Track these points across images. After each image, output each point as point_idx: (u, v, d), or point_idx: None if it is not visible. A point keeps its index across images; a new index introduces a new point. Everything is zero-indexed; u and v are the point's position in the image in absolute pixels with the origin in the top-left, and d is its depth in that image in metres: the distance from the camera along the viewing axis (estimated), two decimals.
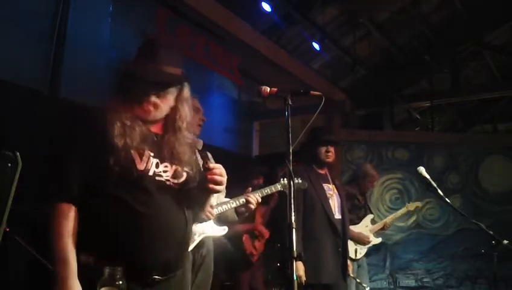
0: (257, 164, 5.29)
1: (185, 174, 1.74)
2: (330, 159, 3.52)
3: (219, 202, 2.78)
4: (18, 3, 3.60)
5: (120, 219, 1.58)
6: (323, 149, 3.48)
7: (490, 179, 6.89)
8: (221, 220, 2.82)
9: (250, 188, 2.93)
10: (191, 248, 2.62)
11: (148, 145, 1.68)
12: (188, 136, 1.78)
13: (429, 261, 6.67)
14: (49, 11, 3.83)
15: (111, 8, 4.27)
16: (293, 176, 1.88)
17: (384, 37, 7.12)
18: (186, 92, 1.79)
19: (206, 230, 2.74)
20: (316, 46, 6.18)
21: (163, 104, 1.72)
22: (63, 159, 1.64)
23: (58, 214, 1.56)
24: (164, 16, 4.53)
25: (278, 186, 3.15)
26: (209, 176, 1.69)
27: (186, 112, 1.78)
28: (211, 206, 2.67)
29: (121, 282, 1.25)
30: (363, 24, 6.63)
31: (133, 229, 1.58)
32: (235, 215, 2.87)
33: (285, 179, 3.13)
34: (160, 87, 1.71)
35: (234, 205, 2.82)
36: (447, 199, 2.90)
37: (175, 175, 1.72)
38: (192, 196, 1.75)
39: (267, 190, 3.07)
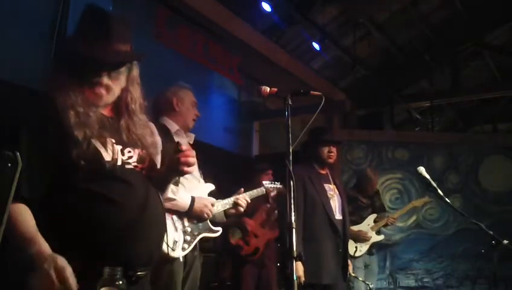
0: (263, 161, 5.28)
1: (148, 158, 1.65)
2: (332, 160, 3.51)
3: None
4: (18, 3, 3.60)
5: (101, 215, 1.46)
6: (325, 149, 3.47)
7: (490, 179, 6.88)
8: (211, 220, 2.82)
9: (242, 189, 2.95)
10: (191, 248, 2.61)
11: (107, 131, 1.56)
12: (142, 118, 1.68)
13: (429, 261, 6.67)
14: (49, 11, 3.83)
15: (111, 8, 4.27)
16: (293, 177, 1.88)
17: (384, 37, 7.12)
18: (136, 71, 1.67)
19: (204, 230, 2.72)
20: (316, 46, 6.18)
21: (115, 86, 1.59)
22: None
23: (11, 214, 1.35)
24: (164, 16, 4.53)
25: (263, 190, 3.25)
26: (183, 158, 1.60)
27: (137, 92, 1.67)
28: (212, 205, 2.69)
29: (120, 282, 1.25)
30: (363, 24, 6.63)
31: (116, 224, 1.47)
32: (223, 216, 2.89)
33: (267, 182, 3.31)
34: (113, 67, 1.57)
35: (227, 206, 2.85)
36: (447, 199, 2.90)
37: (140, 160, 1.61)
38: (158, 180, 1.67)
39: (255, 192, 3.15)
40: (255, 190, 3.17)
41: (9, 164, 1.11)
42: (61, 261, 1.31)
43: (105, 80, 1.55)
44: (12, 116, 1.54)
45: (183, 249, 2.57)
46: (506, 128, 9.58)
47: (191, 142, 2.86)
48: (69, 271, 1.29)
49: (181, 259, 2.55)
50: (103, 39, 1.54)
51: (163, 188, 1.75)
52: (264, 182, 3.30)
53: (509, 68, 8.09)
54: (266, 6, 5.25)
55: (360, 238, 4.54)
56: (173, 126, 2.77)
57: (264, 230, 4.57)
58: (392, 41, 7.35)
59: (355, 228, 4.53)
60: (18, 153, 1.13)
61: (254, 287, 4.45)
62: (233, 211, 2.88)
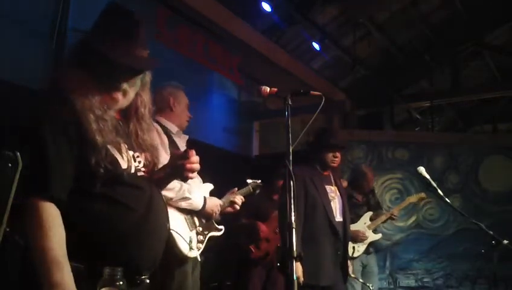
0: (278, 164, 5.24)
1: (152, 162, 1.64)
2: (335, 165, 3.48)
3: None
4: (18, 3, 3.60)
5: (114, 220, 1.45)
6: (330, 154, 3.42)
7: (490, 179, 6.88)
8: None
9: (236, 188, 3.01)
10: (203, 248, 2.65)
11: (120, 136, 1.53)
12: (149, 122, 1.66)
13: (429, 261, 6.67)
14: (49, 11, 3.83)
15: None
16: (293, 177, 1.88)
17: (384, 37, 7.12)
18: (149, 76, 1.64)
19: (211, 229, 2.76)
20: (316, 46, 6.18)
21: (131, 91, 1.55)
22: (41, 153, 1.37)
23: (40, 211, 1.31)
24: (164, 16, 4.53)
25: (250, 188, 3.31)
26: (189, 165, 1.59)
27: (148, 97, 1.65)
28: (220, 205, 2.75)
29: (121, 282, 1.25)
30: (363, 24, 6.63)
31: (128, 229, 1.47)
32: (219, 216, 2.92)
33: (250, 181, 3.34)
34: (134, 73, 1.53)
35: (226, 204, 2.91)
36: (447, 199, 2.91)
37: (146, 164, 1.61)
38: (158, 181, 1.67)
39: (244, 191, 3.23)
40: (244, 189, 3.24)
41: (9, 164, 1.11)
42: None
43: (125, 84, 1.52)
44: (26, 118, 1.50)
45: (198, 248, 2.62)
46: (506, 128, 9.58)
47: (184, 143, 2.90)
48: None
49: (199, 258, 2.60)
50: (128, 43, 1.50)
51: (160, 189, 1.75)
52: (248, 181, 3.32)
53: (509, 68, 8.09)
54: (266, 6, 5.25)
55: (357, 238, 4.51)
56: (173, 127, 2.79)
57: (277, 235, 4.56)
58: (392, 41, 7.35)
59: (351, 227, 4.50)
60: (18, 153, 1.13)
61: (261, 288, 4.45)
62: (230, 209, 2.94)
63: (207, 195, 2.81)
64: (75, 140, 1.40)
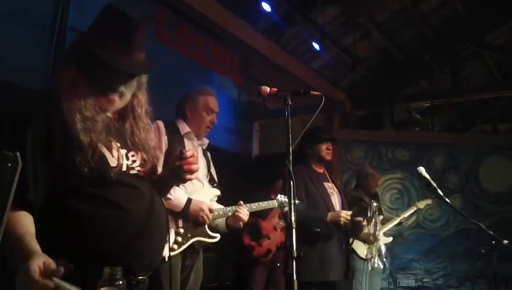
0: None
1: (149, 162, 1.63)
2: (329, 157, 3.61)
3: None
4: (18, 3, 3.60)
5: (105, 219, 1.45)
6: (324, 146, 3.56)
7: (490, 179, 6.88)
8: (211, 226, 2.75)
9: (242, 202, 2.82)
10: (180, 250, 2.55)
11: (112, 135, 1.53)
12: (146, 122, 1.66)
13: (429, 261, 6.67)
14: (49, 11, 3.83)
15: None
16: (293, 177, 1.88)
17: (384, 37, 7.12)
18: (145, 77, 1.65)
19: (199, 234, 2.65)
20: (316, 46, 6.18)
21: (128, 93, 1.57)
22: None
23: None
24: (164, 16, 4.53)
25: (275, 203, 3.12)
26: (186, 166, 1.59)
27: (144, 98, 1.65)
28: (210, 210, 2.62)
29: (121, 282, 1.25)
30: (363, 24, 6.63)
31: (121, 228, 1.46)
32: (225, 227, 2.80)
33: (282, 196, 3.12)
34: (130, 77, 1.54)
35: (229, 213, 2.76)
36: (447, 199, 2.91)
37: (142, 164, 1.60)
38: (159, 185, 1.66)
39: (264, 204, 3.02)
40: (265, 202, 3.04)
41: (9, 164, 1.10)
42: (45, 258, 1.25)
43: (122, 87, 1.53)
44: (14, 116, 1.48)
45: (172, 249, 2.51)
46: (506, 128, 9.58)
47: (205, 147, 2.88)
48: (54, 268, 1.23)
49: (166, 259, 2.50)
50: (125, 47, 1.50)
51: (164, 193, 1.74)
52: (279, 196, 3.14)
53: (509, 68, 8.10)
54: (266, 6, 5.26)
55: (371, 241, 4.53)
56: (184, 128, 2.76)
57: (277, 232, 4.56)
58: (392, 42, 7.35)
59: (365, 231, 4.54)
60: (18, 153, 1.12)
61: (263, 287, 4.45)
62: (234, 223, 2.77)
63: (207, 200, 2.71)
64: (58, 140, 1.41)
